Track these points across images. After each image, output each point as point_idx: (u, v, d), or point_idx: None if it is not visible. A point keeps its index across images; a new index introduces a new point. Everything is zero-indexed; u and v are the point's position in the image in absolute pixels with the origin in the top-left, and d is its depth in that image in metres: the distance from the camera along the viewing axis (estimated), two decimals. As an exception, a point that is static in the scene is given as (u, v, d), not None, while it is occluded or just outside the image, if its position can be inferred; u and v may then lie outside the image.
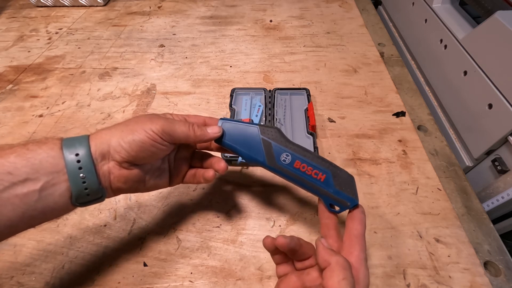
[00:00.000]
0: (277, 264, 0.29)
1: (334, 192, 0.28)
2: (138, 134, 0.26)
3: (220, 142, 0.31)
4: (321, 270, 0.23)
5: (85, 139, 0.25)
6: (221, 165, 0.31)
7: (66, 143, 0.24)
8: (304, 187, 0.30)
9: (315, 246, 0.24)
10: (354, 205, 0.28)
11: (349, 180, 0.29)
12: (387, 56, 0.64)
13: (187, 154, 0.33)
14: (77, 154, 0.24)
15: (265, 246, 0.27)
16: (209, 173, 0.31)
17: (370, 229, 0.37)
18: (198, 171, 0.33)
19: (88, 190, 0.25)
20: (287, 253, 0.27)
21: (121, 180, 0.27)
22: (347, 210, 0.28)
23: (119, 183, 0.27)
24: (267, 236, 0.27)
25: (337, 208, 0.29)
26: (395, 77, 0.59)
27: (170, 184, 0.32)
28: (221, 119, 0.32)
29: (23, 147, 0.23)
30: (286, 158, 0.29)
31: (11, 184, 0.21)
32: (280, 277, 0.28)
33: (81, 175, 0.24)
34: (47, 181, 0.23)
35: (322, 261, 0.23)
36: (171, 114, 0.31)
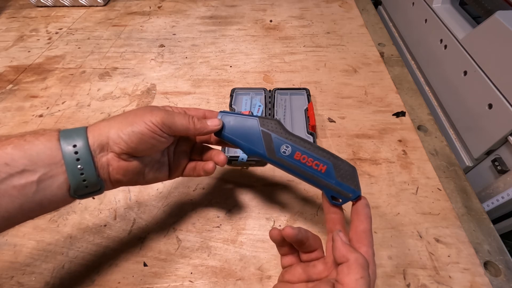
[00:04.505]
0: (282, 255, 0.28)
1: (335, 184, 0.28)
2: (138, 125, 0.26)
3: (220, 135, 0.31)
4: (336, 264, 0.22)
5: (83, 131, 0.25)
6: (221, 157, 0.31)
7: (64, 134, 0.24)
8: (304, 179, 0.29)
9: (332, 239, 0.23)
10: (356, 196, 0.27)
11: (351, 171, 0.28)
12: (387, 56, 0.64)
13: (187, 147, 0.33)
14: (74, 146, 0.24)
15: (271, 238, 0.27)
16: (209, 165, 0.31)
17: (370, 229, 0.37)
18: (198, 164, 0.33)
19: (86, 182, 0.24)
20: (293, 245, 0.27)
21: (120, 172, 0.27)
22: (351, 204, 0.28)
23: (118, 175, 0.27)
24: (274, 228, 0.26)
25: (339, 200, 0.28)
26: (395, 77, 0.59)
27: (170, 177, 0.32)
28: (220, 111, 0.31)
29: (21, 138, 0.23)
30: (286, 150, 0.29)
31: (8, 175, 0.21)
32: (284, 267, 0.28)
33: (79, 166, 0.24)
34: (44, 172, 0.23)
35: (339, 256, 0.22)
36: (170, 107, 0.30)
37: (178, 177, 0.33)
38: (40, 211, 0.24)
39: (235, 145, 0.31)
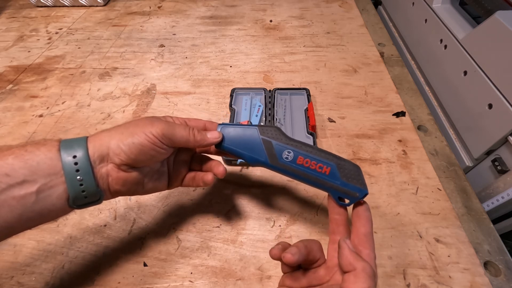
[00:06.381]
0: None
1: (341, 184, 0.27)
2: (138, 137, 0.26)
3: (220, 146, 0.31)
4: (342, 272, 0.22)
5: (83, 141, 0.25)
6: (220, 169, 0.31)
7: (64, 144, 0.24)
8: (309, 183, 0.29)
9: (338, 246, 0.23)
10: (363, 194, 0.27)
11: (355, 170, 0.28)
12: (387, 56, 0.64)
13: (186, 157, 0.33)
14: (74, 156, 0.24)
15: (273, 258, 0.26)
16: (208, 176, 0.31)
17: (370, 229, 0.37)
18: (197, 174, 0.32)
19: (86, 193, 0.24)
20: None
21: (119, 182, 0.26)
22: (351, 207, 0.28)
23: (118, 185, 0.27)
24: (272, 249, 0.26)
25: (346, 201, 0.28)
26: (395, 77, 0.59)
27: (169, 187, 0.32)
28: (219, 124, 0.31)
29: (22, 149, 0.23)
30: (289, 155, 0.29)
31: (8, 186, 0.21)
32: (285, 273, 0.28)
33: (78, 177, 0.24)
34: (44, 183, 0.22)
35: (346, 264, 0.22)
36: (171, 117, 0.30)
37: (177, 186, 0.33)
38: (39, 221, 0.24)
39: (237, 155, 0.31)
